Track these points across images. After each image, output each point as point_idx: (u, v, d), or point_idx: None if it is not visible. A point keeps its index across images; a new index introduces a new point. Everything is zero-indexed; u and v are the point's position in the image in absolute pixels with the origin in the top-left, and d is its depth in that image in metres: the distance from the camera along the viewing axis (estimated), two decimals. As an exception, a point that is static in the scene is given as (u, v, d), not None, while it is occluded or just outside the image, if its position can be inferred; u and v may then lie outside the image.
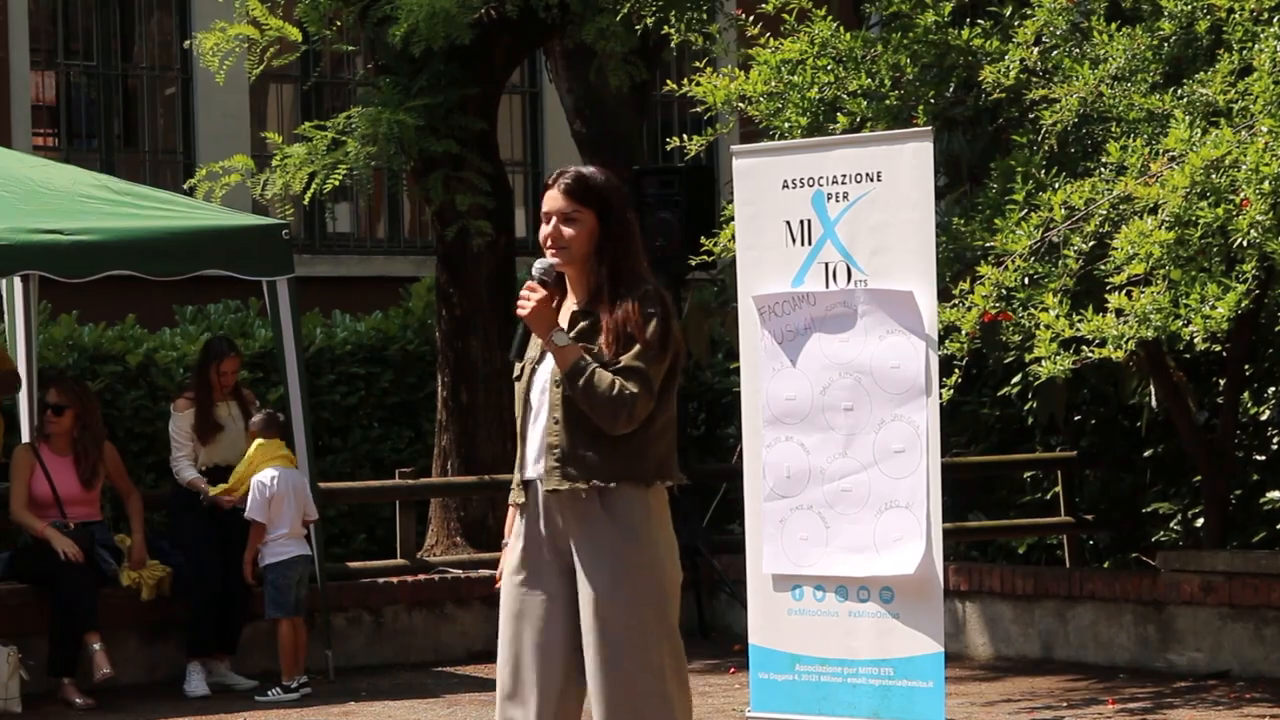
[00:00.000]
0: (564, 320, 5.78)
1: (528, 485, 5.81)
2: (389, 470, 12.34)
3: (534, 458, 5.78)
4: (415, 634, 11.35)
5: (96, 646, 9.96)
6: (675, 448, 5.80)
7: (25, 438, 11.06)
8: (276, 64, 11.91)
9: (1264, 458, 10.96)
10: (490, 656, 11.34)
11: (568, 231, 5.76)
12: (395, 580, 11.39)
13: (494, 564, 11.89)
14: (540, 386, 5.79)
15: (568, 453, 5.70)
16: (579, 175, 5.80)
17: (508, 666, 5.78)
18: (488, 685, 10.51)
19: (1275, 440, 10.95)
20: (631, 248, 5.79)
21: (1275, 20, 8.14)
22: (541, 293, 5.74)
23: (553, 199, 5.79)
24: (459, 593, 11.49)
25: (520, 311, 5.77)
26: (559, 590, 5.74)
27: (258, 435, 10.29)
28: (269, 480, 10.16)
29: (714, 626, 11.88)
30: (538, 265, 5.84)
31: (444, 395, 12.40)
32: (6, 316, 11.50)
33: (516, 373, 5.91)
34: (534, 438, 5.80)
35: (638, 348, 5.65)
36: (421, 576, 11.49)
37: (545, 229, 5.79)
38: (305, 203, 12.30)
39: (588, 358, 5.67)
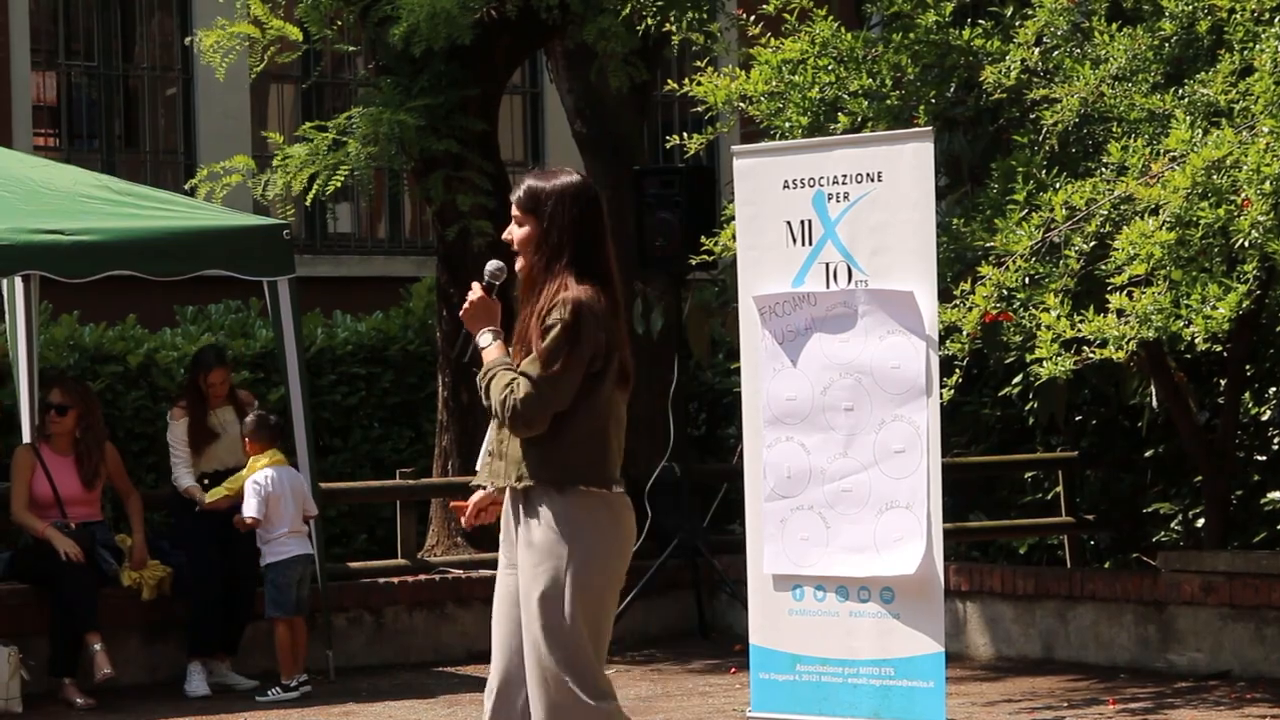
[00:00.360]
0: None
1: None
2: (390, 470, 12.34)
3: (482, 451, 6.09)
4: (416, 634, 11.35)
5: (97, 647, 9.96)
6: (606, 454, 5.90)
7: (26, 438, 11.06)
8: (278, 61, 11.91)
9: (1265, 458, 10.96)
10: (488, 657, 11.32)
11: (517, 234, 5.98)
12: (396, 580, 11.38)
13: (494, 564, 11.90)
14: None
15: (496, 451, 5.97)
16: (528, 184, 6.01)
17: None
18: (488, 685, 10.51)
19: (1276, 440, 10.95)
20: (563, 255, 5.90)
21: (1276, 20, 8.14)
22: (479, 293, 5.99)
23: (513, 205, 6.04)
24: (460, 593, 11.49)
25: (460, 311, 6.06)
26: (514, 575, 6.02)
27: (249, 440, 10.27)
28: (264, 480, 10.16)
29: (714, 627, 11.88)
30: (488, 266, 6.09)
31: (444, 395, 12.40)
32: (7, 317, 11.49)
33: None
34: (488, 433, 6.06)
35: (531, 356, 5.82)
36: (422, 577, 11.49)
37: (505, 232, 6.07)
38: (306, 203, 12.30)
39: (503, 361, 5.89)
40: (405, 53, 11.29)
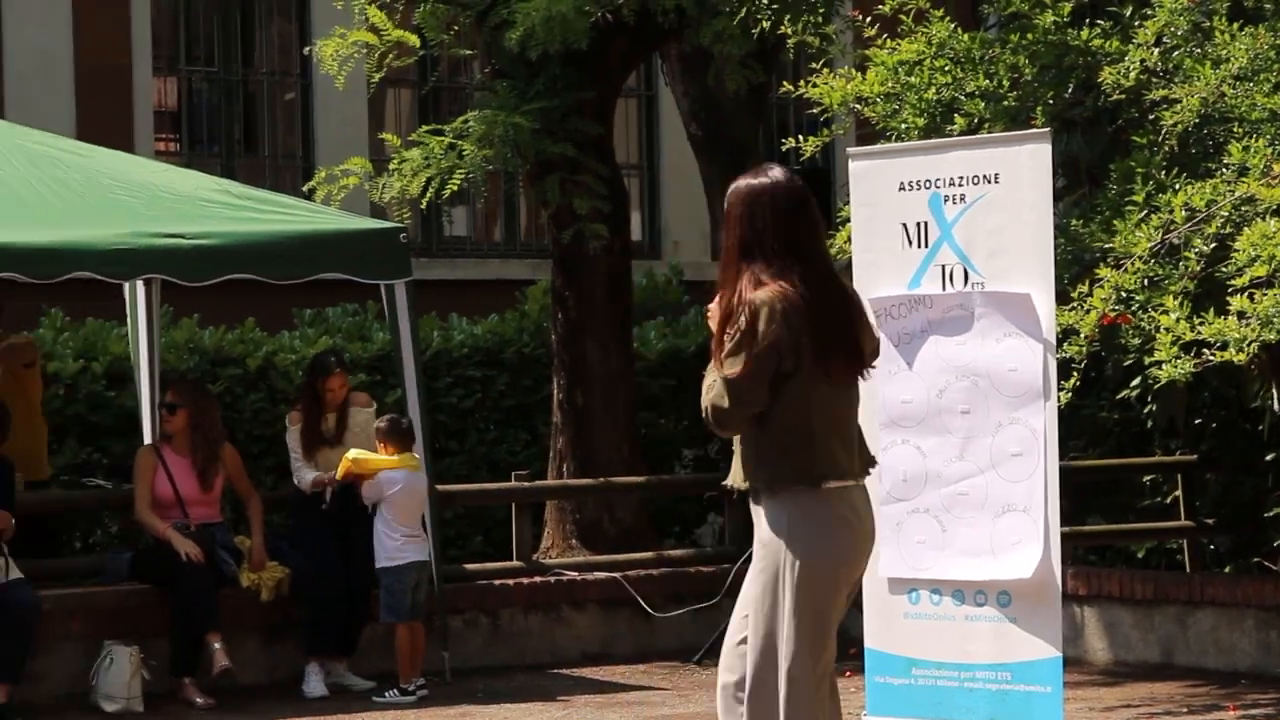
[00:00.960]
0: None
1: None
2: (505, 473, 12.38)
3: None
4: (531, 636, 11.39)
5: (217, 646, 10.06)
6: (811, 452, 5.88)
7: (147, 439, 11.20)
8: (394, 66, 11.98)
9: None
10: (603, 659, 11.38)
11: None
12: (511, 582, 11.43)
13: (609, 566, 12.00)
14: None
15: (735, 453, 6.05)
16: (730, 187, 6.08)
17: None
18: (603, 687, 10.54)
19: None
20: (739, 254, 5.93)
21: (1401, 18, 8.03)
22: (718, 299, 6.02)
23: None
24: (574, 595, 11.52)
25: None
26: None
27: (382, 443, 10.33)
28: (388, 479, 10.21)
29: (830, 630, 11.83)
30: None
31: (559, 398, 12.43)
32: (129, 320, 11.64)
33: None
34: None
35: (722, 357, 5.87)
36: (537, 579, 11.52)
37: None
38: (422, 206, 12.38)
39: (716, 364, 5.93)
40: (521, 56, 11.34)
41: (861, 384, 8.20)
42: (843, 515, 5.95)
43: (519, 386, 13.34)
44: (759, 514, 5.99)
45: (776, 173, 6.05)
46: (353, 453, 10.32)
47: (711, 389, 5.88)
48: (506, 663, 11.17)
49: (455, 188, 11.38)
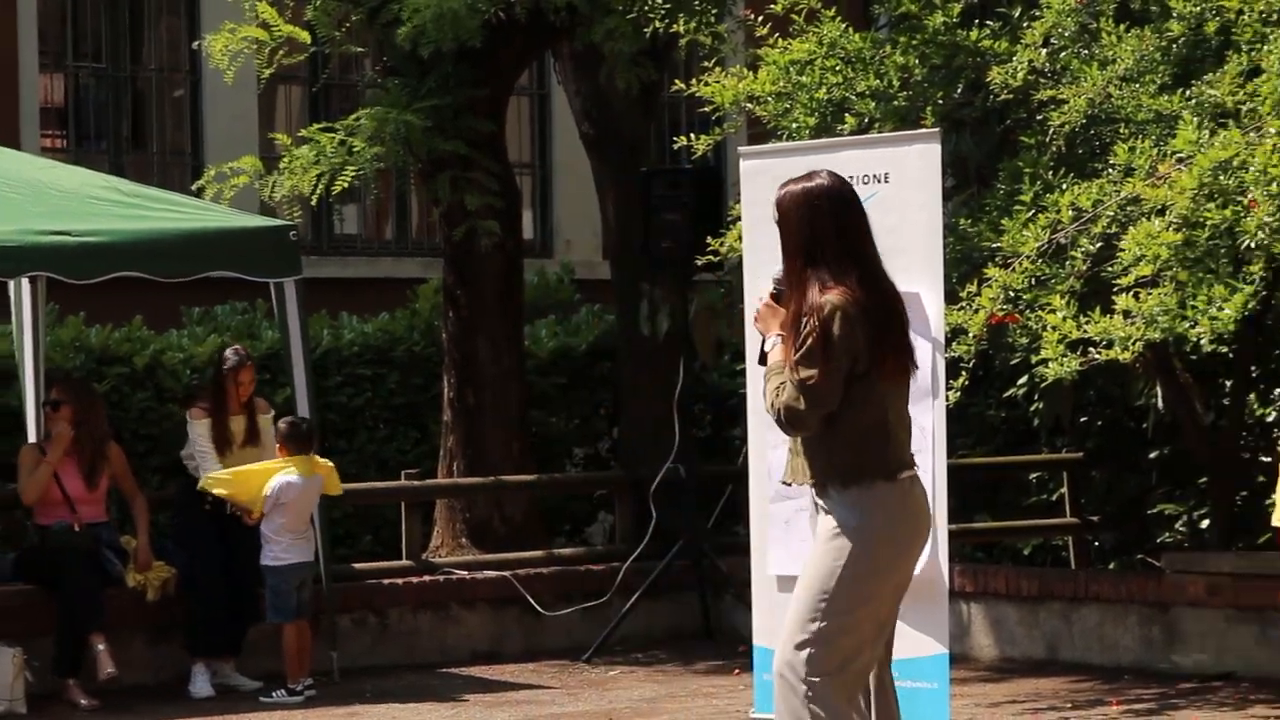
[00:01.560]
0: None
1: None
2: (395, 471, 12.33)
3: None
4: (420, 635, 11.35)
5: (101, 647, 9.96)
6: (886, 447, 6.00)
7: (31, 439, 11.07)
8: (285, 64, 11.90)
9: (1270, 459, 10.92)
10: (493, 658, 11.36)
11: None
12: (400, 581, 11.38)
13: (499, 565, 11.97)
14: None
15: (793, 450, 6.13)
16: (778, 193, 6.19)
17: None
18: (492, 686, 10.52)
19: (1281, 443, 10.94)
20: (802, 259, 6.04)
21: (1284, 21, 8.13)
22: (765, 299, 6.17)
23: None
24: (464, 594, 11.49)
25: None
26: None
27: (282, 445, 10.26)
28: (278, 485, 10.14)
29: (719, 628, 11.87)
30: (774, 271, 6.25)
31: (450, 396, 12.40)
32: (14, 318, 11.50)
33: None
34: None
35: (795, 360, 5.94)
36: (427, 578, 11.49)
37: None
38: (313, 204, 12.29)
39: (778, 365, 6.02)
40: (413, 54, 11.29)
41: (749, 382, 8.24)
42: (917, 501, 6.11)
43: (409, 385, 13.30)
44: (825, 509, 6.06)
45: (826, 175, 6.18)
46: (228, 475, 10.25)
47: (782, 391, 5.95)
48: (395, 662, 11.12)
49: (345, 184, 11.32)
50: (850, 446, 5.99)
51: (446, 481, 12.29)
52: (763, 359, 6.13)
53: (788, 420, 5.97)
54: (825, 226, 6.04)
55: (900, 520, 6.04)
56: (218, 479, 10.26)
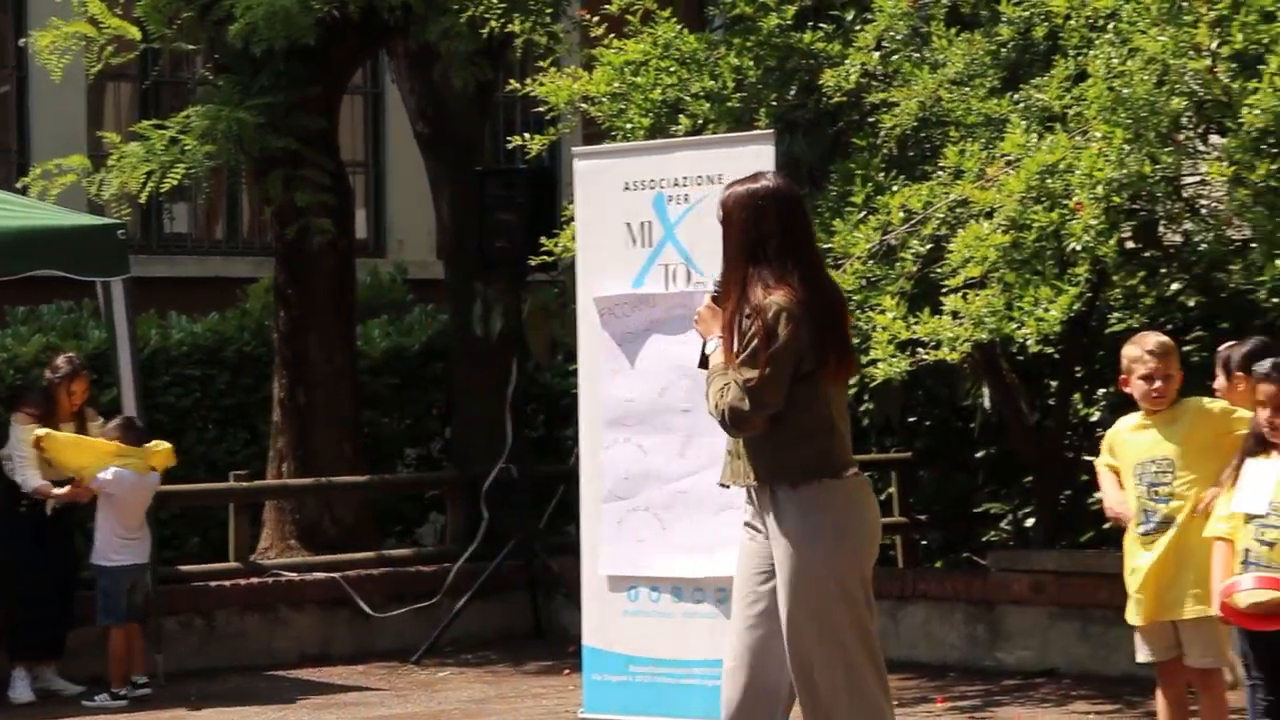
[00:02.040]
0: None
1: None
2: (224, 473, 12.20)
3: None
4: (248, 637, 11.24)
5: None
6: (833, 446, 6.00)
7: None
8: (114, 62, 11.75)
9: (1093, 459, 11.08)
10: (322, 660, 11.27)
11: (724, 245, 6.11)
12: (228, 583, 11.27)
13: (329, 566, 11.88)
14: None
15: (732, 452, 6.09)
16: (722, 194, 6.13)
17: None
18: (321, 688, 10.43)
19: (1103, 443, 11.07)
20: (745, 260, 6.00)
21: (1110, 27, 8.24)
22: (706, 301, 6.14)
23: None
24: (293, 596, 11.40)
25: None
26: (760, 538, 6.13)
27: (118, 443, 10.11)
28: (124, 477, 10.01)
29: (550, 628, 11.86)
30: (715, 276, 6.22)
31: (281, 397, 12.30)
32: None
33: None
34: None
35: (739, 361, 5.92)
36: (255, 579, 11.38)
37: None
38: (142, 202, 12.13)
39: (720, 367, 5.99)
40: (245, 52, 11.18)
41: (582, 382, 8.24)
42: (866, 496, 6.11)
43: (239, 385, 13.17)
44: (774, 509, 6.02)
45: (770, 177, 6.16)
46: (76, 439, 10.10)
47: (726, 392, 5.93)
48: (222, 665, 11.00)
49: (175, 182, 11.18)
50: (797, 446, 5.97)
51: (276, 483, 12.18)
52: (703, 361, 6.12)
53: (732, 421, 5.95)
54: (770, 227, 6.02)
55: (850, 516, 6.03)
56: (54, 437, 10.06)
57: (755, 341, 5.89)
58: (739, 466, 6.08)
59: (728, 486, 6.21)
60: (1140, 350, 7.07)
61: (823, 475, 5.99)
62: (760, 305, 5.91)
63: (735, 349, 5.94)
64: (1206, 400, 7.12)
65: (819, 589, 5.95)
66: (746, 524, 6.16)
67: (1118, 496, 7.21)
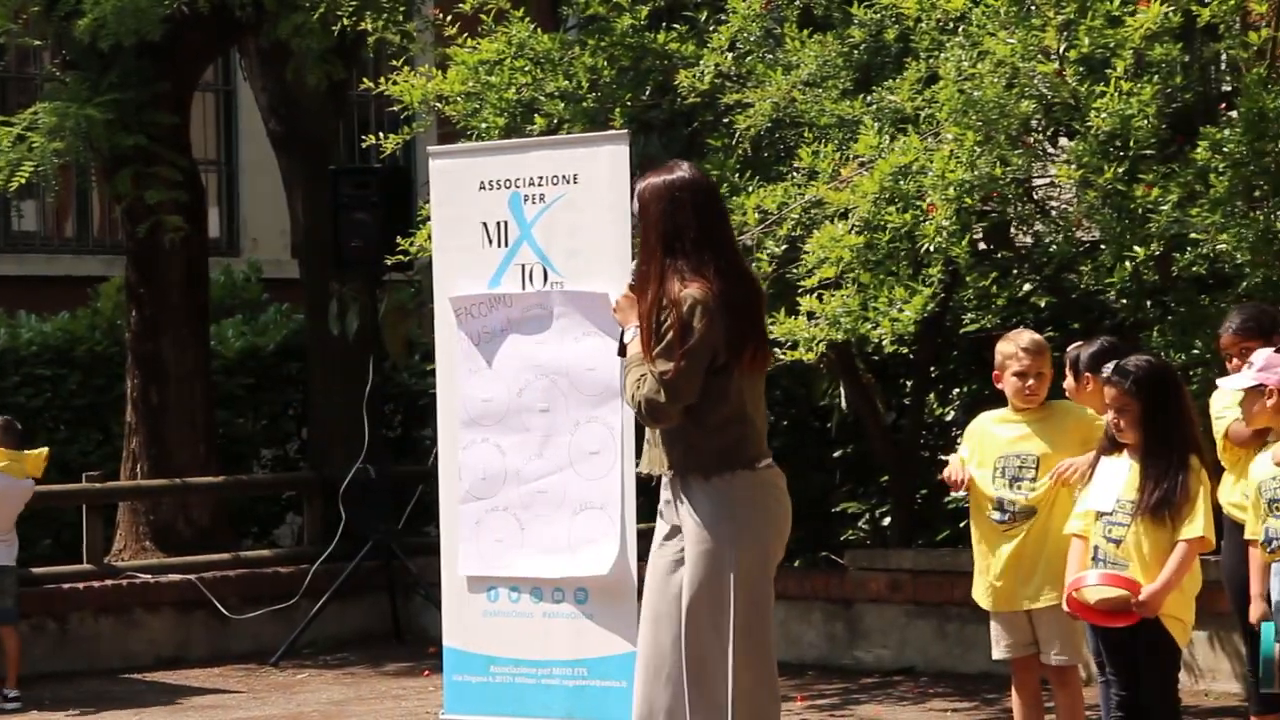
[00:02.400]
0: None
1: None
2: (76, 474, 12.06)
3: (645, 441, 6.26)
4: (102, 640, 11.13)
5: None
6: (746, 437, 6.05)
7: None
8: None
9: (948, 458, 11.17)
10: (178, 662, 11.17)
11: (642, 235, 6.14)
12: (81, 586, 11.16)
13: (184, 568, 11.77)
14: None
15: (650, 441, 6.16)
16: (639, 184, 6.15)
17: None
18: (177, 692, 10.34)
19: (959, 441, 11.17)
20: (659, 252, 6.02)
21: (960, 30, 8.33)
22: (625, 292, 6.18)
23: None
24: (148, 598, 11.30)
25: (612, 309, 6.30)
26: (673, 561, 6.20)
27: None
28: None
29: (409, 629, 11.83)
30: (634, 265, 6.26)
31: (134, 397, 12.18)
32: None
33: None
34: None
35: (655, 351, 5.96)
36: (109, 582, 11.27)
37: None
38: (-11, 199, 11.99)
39: (639, 357, 6.04)
40: (93, 47, 11.06)
41: (440, 382, 8.22)
42: (779, 489, 6.14)
43: (91, 385, 13.03)
44: (686, 500, 6.08)
45: (686, 168, 6.15)
46: None
47: (642, 383, 5.98)
48: (76, 668, 10.88)
49: (24, 180, 11.04)
50: (711, 437, 6.02)
51: (129, 484, 12.07)
52: (622, 350, 6.16)
53: (648, 413, 6.00)
54: (686, 219, 6.04)
55: (759, 508, 6.07)
56: None
57: (671, 334, 5.94)
58: (655, 455, 6.15)
59: (648, 476, 6.27)
60: (1015, 347, 7.16)
61: (735, 466, 6.05)
62: (676, 298, 5.95)
63: (651, 341, 5.98)
64: (1077, 406, 7.20)
65: (722, 579, 6.01)
66: (659, 512, 6.23)
67: (958, 465, 7.29)
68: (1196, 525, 6.41)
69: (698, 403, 5.99)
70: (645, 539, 11.09)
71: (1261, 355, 6.61)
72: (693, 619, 6.04)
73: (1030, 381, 7.11)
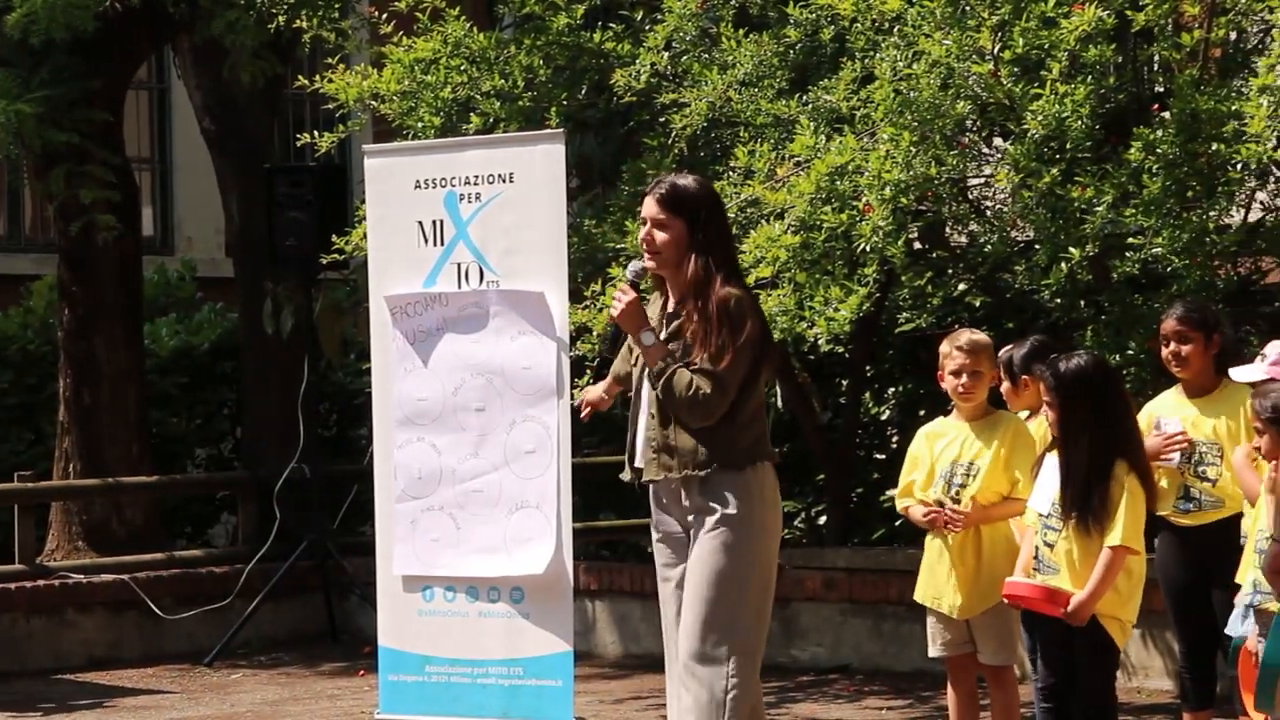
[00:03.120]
0: (659, 319, 6.31)
1: (639, 473, 6.42)
2: (8, 473, 11.98)
3: (640, 449, 6.37)
4: (34, 640, 11.06)
5: None
6: (766, 431, 6.32)
7: None
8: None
9: (884, 456, 11.22)
10: (111, 663, 11.11)
11: (660, 237, 6.27)
12: (13, 586, 11.08)
13: (117, 568, 11.70)
14: (645, 382, 6.30)
15: (662, 445, 6.27)
16: (672, 184, 6.29)
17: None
18: (111, 692, 10.29)
19: (895, 440, 11.23)
20: (719, 253, 6.23)
21: (895, 30, 8.35)
22: (631, 295, 6.31)
23: (648, 206, 6.33)
24: (81, 598, 11.24)
25: (612, 312, 6.36)
26: (677, 569, 6.36)
27: None
28: None
29: (344, 629, 11.79)
30: (630, 267, 6.46)
31: (66, 396, 12.11)
32: None
33: (628, 367, 6.45)
34: (639, 430, 6.38)
35: (711, 351, 6.12)
36: (41, 582, 11.20)
37: (641, 233, 6.35)
38: (-80, 197, 11.90)
39: (671, 358, 6.21)
40: (24, 43, 10.99)
41: (375, 381, 8.20)
42: (777, 486, 6.36)
43: (23, 385, 12.95)
44: (710, 497, 6.19)
45: (701, 177, 6.46)
46: None
47: (696, 384, 6.13)
48: (7, 669, 10.81)
49: (-45, 177, 10.98)
50: (744, 432, 6.21)
51: (62, 483, 12.00)
52: (614, 348, 6.32)
53: (702, 411, 6.14)
54: (723, 222, 6.33)
55: (776, 502, 6.32)
56: None
57: (724, 333, 6.13)
58: (665, 461, 6.26)
59: (640, 487, 6.42)
60: (951, 347, 7.21)
61: (763, 459, 6.28)
62: (724, 297, 6.15)
63: (703, 339, 6.13)
64: (1013, 417, 7.22)
65: (749, 568, 6.19)
66: (658, 530, 6.39)
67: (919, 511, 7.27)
68: (1116, 533, 6.41)
69: (735, 398, 6.18)
70: (582, 538, 11.14)
71: (1275, 348, 6.60)
72: (711, 609, 6.18)
73: (964, 379, 7.14)
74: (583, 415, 6.91)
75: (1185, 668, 7.44)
